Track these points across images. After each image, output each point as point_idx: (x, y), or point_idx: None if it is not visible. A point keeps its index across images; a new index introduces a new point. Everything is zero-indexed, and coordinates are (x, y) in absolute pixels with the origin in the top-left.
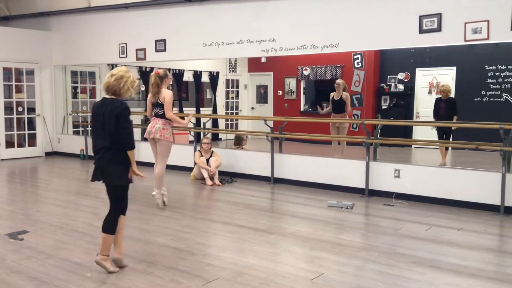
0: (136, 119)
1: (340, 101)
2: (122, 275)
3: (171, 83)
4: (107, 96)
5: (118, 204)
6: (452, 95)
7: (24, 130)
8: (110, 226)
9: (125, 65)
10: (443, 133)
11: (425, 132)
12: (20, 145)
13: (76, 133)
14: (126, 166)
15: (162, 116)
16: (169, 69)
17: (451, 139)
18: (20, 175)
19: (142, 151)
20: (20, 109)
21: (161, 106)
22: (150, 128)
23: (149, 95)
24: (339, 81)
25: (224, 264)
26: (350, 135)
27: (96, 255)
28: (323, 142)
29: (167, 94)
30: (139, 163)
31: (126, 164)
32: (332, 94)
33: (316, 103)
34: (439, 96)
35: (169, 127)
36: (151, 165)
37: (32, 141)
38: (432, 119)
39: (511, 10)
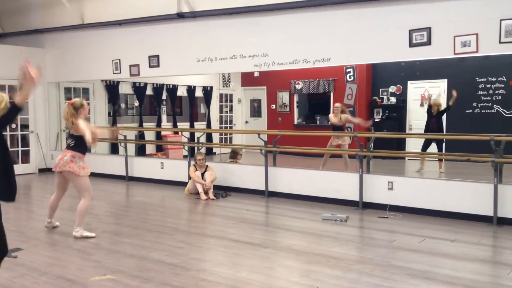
0: (130, 134)
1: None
2: None
3: (87, 114)
4: None
5: None
6: (444, 107)
7: (18, 147)
8: None
9: (119, 80)
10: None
11: (418, 144)
12: (14, 162)
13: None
14: None
15: (73, 148)
16: (162, 84)
17: (443, 149)
18: None
19: (136, 167)
20: (13, 126)
21: (74, 137)
22: (58, 161)
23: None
24: (337, 104)
25: (218, 279)
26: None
27: None
28: (317, 155)
29: (80, 128)
30: (135, 179)
31: None
32: (330, 115)
33: (310, 116)
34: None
35: (78, 160)
36: (143, 180)
37: (26, 157)
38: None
39: (499, 23)
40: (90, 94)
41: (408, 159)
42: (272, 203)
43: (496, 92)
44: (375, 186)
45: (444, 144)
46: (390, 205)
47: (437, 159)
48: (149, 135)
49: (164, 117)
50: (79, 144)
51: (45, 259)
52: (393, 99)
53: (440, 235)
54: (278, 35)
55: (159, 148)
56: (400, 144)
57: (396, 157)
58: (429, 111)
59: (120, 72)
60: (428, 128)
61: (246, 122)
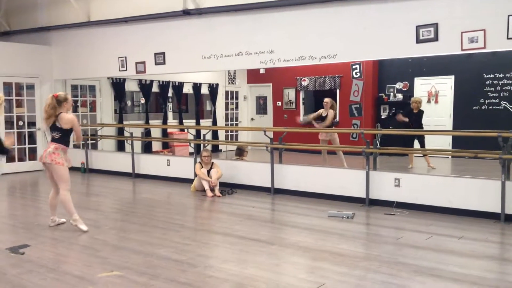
0: (136, 131)
1: (327, 117)
2: None
3: (70, 108)
4: None
5: None
6: (451, 103)
7: (25, 144)
8: None
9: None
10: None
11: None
12: (21, 159)
13: (76, 146)
14: None
15: (58, 140)
16: (168, 82)
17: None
18: (21, 189)
19: (142, 164)
20: (20, 123)
21: (60, 130)
22: (43, 153)
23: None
24: (326, 99)
25: (225, 276)
26: (350, 144)
27: None
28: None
29: (71, 119)
30: (141, 176)
31: None
32: (320, 110)
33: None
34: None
35: (61, 152)
36: (149, 177)
37: (33, 155)
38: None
39: (507, 19)
40: (97, 91)
41: (415, 156)
42: (278, 200)
43: (504, 88)
44: (382, 183)
45: (451, 141)
46: (397, 202)
47: (423, 155)
48: (155, 132)
49: (170, 114)
50: (64, 137)
51: (52, 255)
52: (399, 96)
53: (447, 232)
54: (284, 31)
55: (165, 145)
56: (406, 141)
57: (402, 154)
58: (411, 110)
59: (126, 70)
60: (410, 125)
61: (252, 119)
